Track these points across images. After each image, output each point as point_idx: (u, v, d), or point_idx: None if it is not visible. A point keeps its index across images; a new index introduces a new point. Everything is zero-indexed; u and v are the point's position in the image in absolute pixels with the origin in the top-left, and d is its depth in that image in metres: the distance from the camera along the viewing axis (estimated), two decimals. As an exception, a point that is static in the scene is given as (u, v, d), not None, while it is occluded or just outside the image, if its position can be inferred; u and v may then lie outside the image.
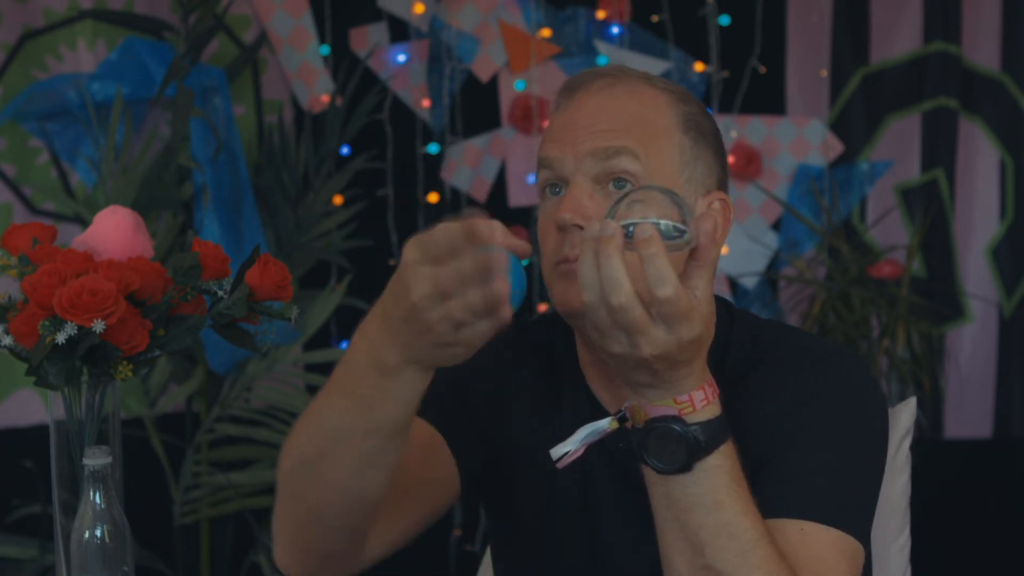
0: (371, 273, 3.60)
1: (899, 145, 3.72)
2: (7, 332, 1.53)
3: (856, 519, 1.40)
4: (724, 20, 3.66)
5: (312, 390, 3.31)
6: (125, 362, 1.54)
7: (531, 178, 3.63)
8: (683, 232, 1.24)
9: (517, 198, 3.65)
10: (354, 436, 1.26)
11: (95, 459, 1.48)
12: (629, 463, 1.33)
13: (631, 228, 1.22)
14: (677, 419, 1.26)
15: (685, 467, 1.27)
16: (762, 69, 3.68)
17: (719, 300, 1.54)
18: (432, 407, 1.52)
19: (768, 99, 3.70)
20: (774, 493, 1.37)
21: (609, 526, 1.53)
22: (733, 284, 3.70)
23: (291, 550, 1.39)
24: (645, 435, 1.28)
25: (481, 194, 3.65)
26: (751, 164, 3.67)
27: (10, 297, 1.56)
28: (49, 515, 3.08)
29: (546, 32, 3.64)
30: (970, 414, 3.70)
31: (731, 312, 1.56)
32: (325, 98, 3.55)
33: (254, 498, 3.27)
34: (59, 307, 1.48)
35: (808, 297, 3.58)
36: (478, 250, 1.10)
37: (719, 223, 1.49)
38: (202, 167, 3.21)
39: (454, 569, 3.63)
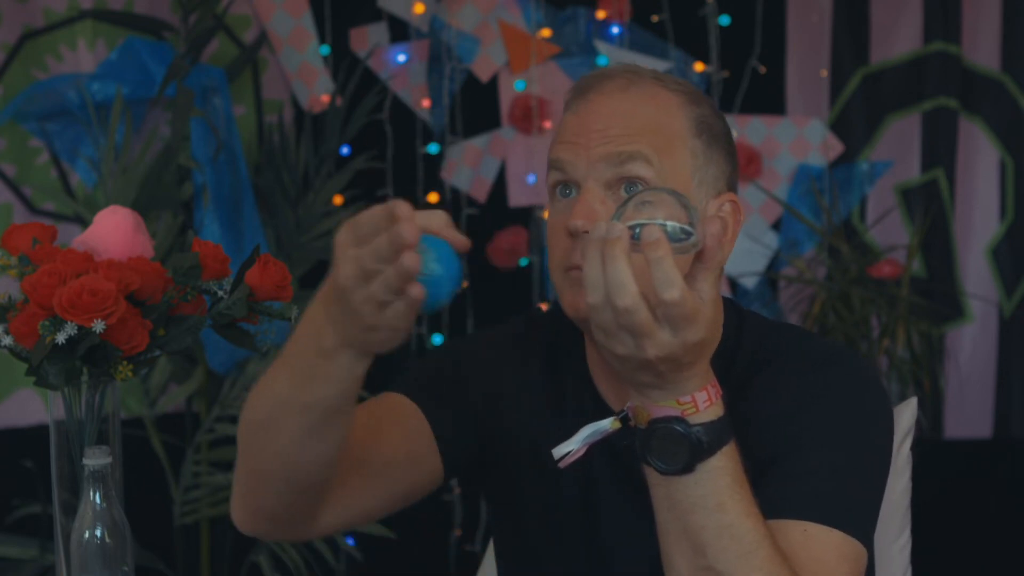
0: (371, 273, 3.60)
1: (899, 145, 3.72)
2: (7, 332, 1.53)
3: (859, 521, 1.40)
4: (724, 20, 3.66)
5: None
6: (125, 362, 1.54)
7: (531, 178, 3.63)
8: (690, 234, 1.24)
9: (517, 198, 3.65)
10: (292, 409, 1.29)
11: (95, 459, 1.48)
12: (632, 463, 1.33)
13: (638, 230, 1.22)
14: (680, 420, 1.26)
15: (687, 468, 1.27)
16: (762, 69, 3.68)
17: (728, 302, 1.54)
18: (422, 391, 1.54)
19: (768, 99, 3.70)
20: (777, 494, 1.37)
21: (610, 525, 1.53)
22: (733, 284, 3.70)
23: (242, 507, 1.45)
24: (648, 435, 1.28)
25: (481, 194, 3.65)
26: (751, 164, 3.67)
27: (10, 297, 1.56)
28: (49, 515, 3.08)
29: (546, 32, 3.64)
30: (970, 414, 3.70)
31: (740, 314, 1.56)
32: (325, 98, 3.55)
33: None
34: (59, 307, 1.48)
35: (808, 297, 3.58)
36: (392, 229, 1.12)
37: (730, 224, 1.49)
38: (202, 167, 3.21)
39: (454, 569, 3.63)
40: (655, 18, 3.65)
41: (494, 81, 3.66)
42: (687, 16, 3.65)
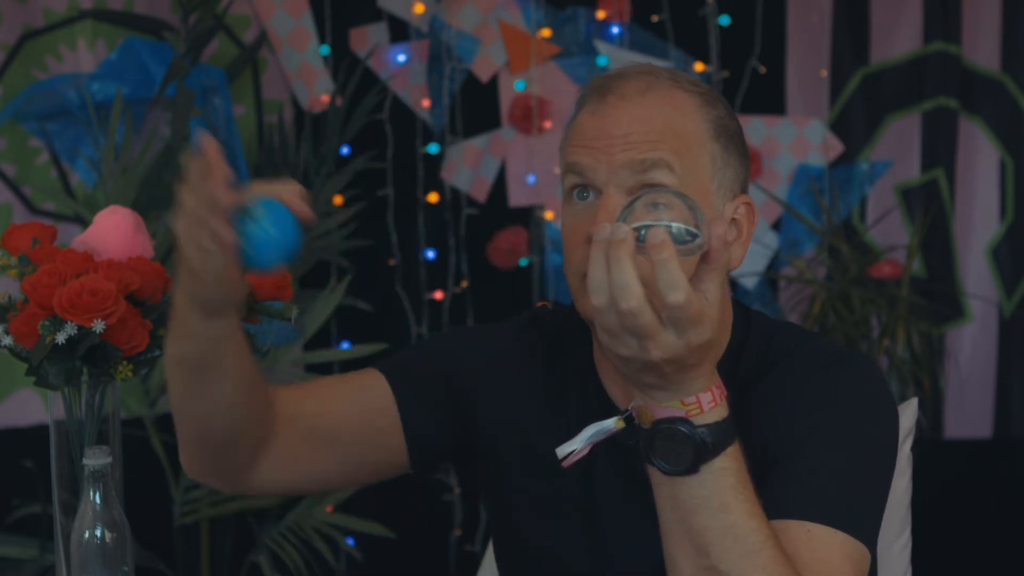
0: (371, 273, 3.60)
1: (899, 145, 3.72)
2: (7, 332, 1.53)
3: (863, 523, 1.40)
4: (724, 20, 3.66)
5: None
6: (125, 362, 1.54)
7: (531, 178, 3.63)
8: (695, 236, 1.24)
9: (517, 198, 3.65)
10: (171, 364, 1.39)
11: (95, 459, 1.48)
12: (634, 462, 1.33)
13: (643, 231, 1.22)
14: (684, 420, 1.26)
15: (691, 469, 1.27)
16: (762, 69, 3.68)
17: (735, 302, 1.55)
18: (399, 375, 1.55)
19: (768, 99, 3.70)
20: (781, 494, 1.37)
21: (612, 526, 1.52)
22: (733, 284, 3.70)
23: (181, 454, 1.51)
24: (652, 436, 1.28)
25: (481, 194, 3.65)
26: (751, 164, 3.65)
27: (10, 297, 1.56)
28: (49, 515, 3.08)
29: (546, 32, 3.64)
30: (970, 414, 3.70)
31: (747, 314, 1.56)
32: (325, 98, 3.55)
33: (254, 498, 3.27)
34: (59, 307, 1.48)
35: (808, 297, 3.58)
36: (204, 187, 1.23)
37: (744, 227, 1.50)
38: (202, 167, 3.21)
39: (454, 569, 3.63)
40: (655, 18, 3.65)
41: (494, 81, 3.66)
42: (687, 16, 3.65)
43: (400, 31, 3.62)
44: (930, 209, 3.65)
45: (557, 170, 3.61)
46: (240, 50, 3.47)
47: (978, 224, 3.72)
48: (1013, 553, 3.64)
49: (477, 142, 3.65)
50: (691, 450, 1.26)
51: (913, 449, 1.87)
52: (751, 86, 3.68)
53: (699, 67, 3.67)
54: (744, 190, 1.51)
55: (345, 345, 3.55)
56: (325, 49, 3.59)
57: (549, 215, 3.63)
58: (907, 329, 3.43)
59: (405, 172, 3.64)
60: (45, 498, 3.13)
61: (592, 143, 1.45)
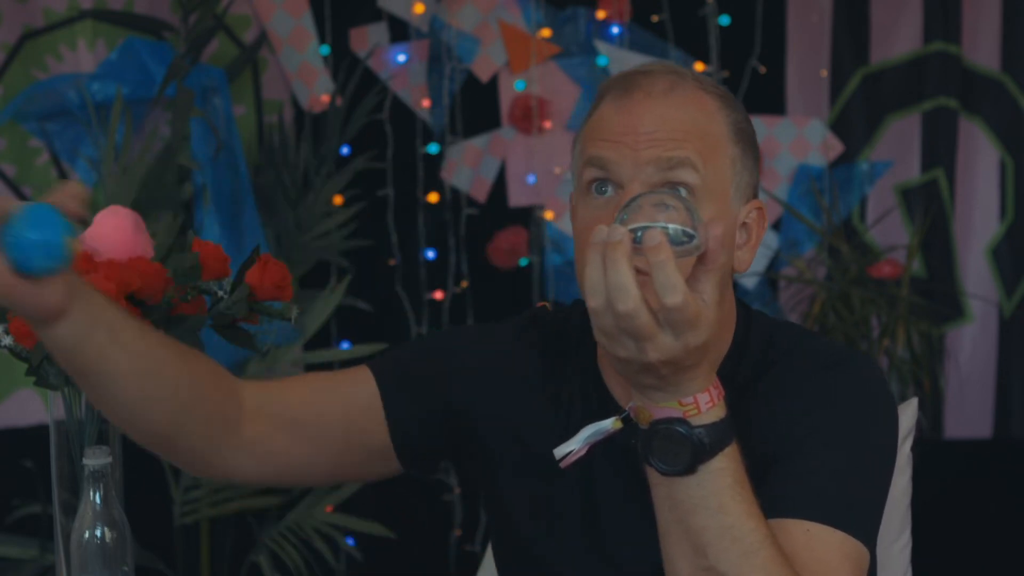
0: (371, 273, 3.60)
1: (899, 145, 3.72)
2: (7, 332, 1.53)
3: (862, 523, 1.40)
4: (724, 20, 3.66)
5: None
6: (125, 362, 1.54)
7: (531, 178, 3.63)
8: (692, 237, 1.24)
9: (517, 198, 3.65)
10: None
11: (95, 459, 1.48)
12: (634, 462, 1.33)
13: (639, 233, 1.22)
14: (682, 421, 1.26)
15: (689, 469, 1.27)
16: (762, 69, 3.68)
17: (737, 301, 1.54)
18: (387, 374, 1.55)
19: (768, 99, 3.70)
20: (781, 493, 1.37)
21: (612, 525, 1.52)
22: (733, 284, 3.70)
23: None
24: (649, 436, 1.28)
25: (481, 194, 3.65)
26: (752, 164, 3.67)
27: (10, 297, 1.56)
28: (49, 515, 3.08)
29: (546, 32, 3.64)
30: (970, 414, 3.70)
31: (749, 314, 1.56)
32: (325, 98, 3.55)
33: (254, 498, 3.27)
34: (59, 307, 1.48)
35: (808, 297, 3.58)
36: None
37: (755, 231, 1.49)
38: (202, 167, 3.21)
39: (454, 569, 3.63)
40: (655, 18, 3.65)
41: (494, 81, 3.66)
42: (687, 16, 3.65)
43: (400, 31, 3.62)
44: (930, 209, 3.65)
45: (557, 170, 3.62)
46: (240, 50, 3.47)
47: (978, 224, 3.71)
48: (1013, 553, 3.64)
49: (477, 142, 3.65)
50: (688, 450, 1.26)
51: (913, 449, 1.87)
52: (751, 86, 3.68)
53: (699, 67, 3.66)
54: (756, 195, 1.51)
55: (345, 345, 3.55)
56: (325, 49, 3.59)
57: (549, 215, 3.63)
58: (907, 329, 3.43)
59: (405, 172, 3.64)
60: (45, 498, 3.13)
61: (618, 138, 1.43)
